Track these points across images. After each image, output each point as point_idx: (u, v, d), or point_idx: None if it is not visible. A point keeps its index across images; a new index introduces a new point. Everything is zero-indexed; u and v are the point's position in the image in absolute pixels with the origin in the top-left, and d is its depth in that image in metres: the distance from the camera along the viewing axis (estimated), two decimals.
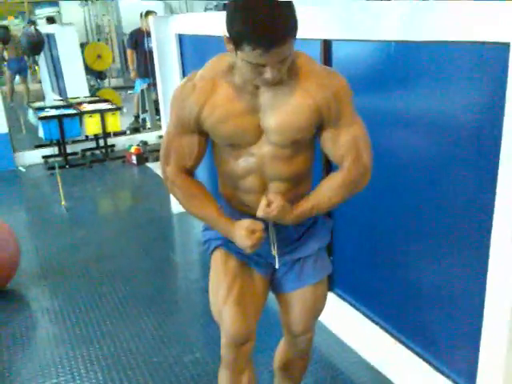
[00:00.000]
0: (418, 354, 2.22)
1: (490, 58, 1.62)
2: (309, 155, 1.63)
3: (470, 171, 1.82)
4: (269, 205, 1.53)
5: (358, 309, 2.56)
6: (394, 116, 2.11)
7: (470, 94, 1.74)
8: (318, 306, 1.85)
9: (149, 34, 7.19)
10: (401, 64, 1.97)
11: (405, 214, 2.17)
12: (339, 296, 2.68)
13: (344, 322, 2.64)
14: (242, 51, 1.33)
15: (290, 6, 1.32)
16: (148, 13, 7.35)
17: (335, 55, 2.26)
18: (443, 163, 1.92)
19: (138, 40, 7.35)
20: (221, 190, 1.76)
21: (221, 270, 1.71)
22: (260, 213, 1.54)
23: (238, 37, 1.32)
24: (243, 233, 1.54)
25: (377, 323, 2.43)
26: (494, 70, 1.61)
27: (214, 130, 1.54)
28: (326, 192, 1.59)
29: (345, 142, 1.52)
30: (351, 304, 2.61)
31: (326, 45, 2.26)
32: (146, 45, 7.26)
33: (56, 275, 3.55)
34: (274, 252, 1.68)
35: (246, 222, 1.55)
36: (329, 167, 2.45)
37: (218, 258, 1.74)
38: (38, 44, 6.31)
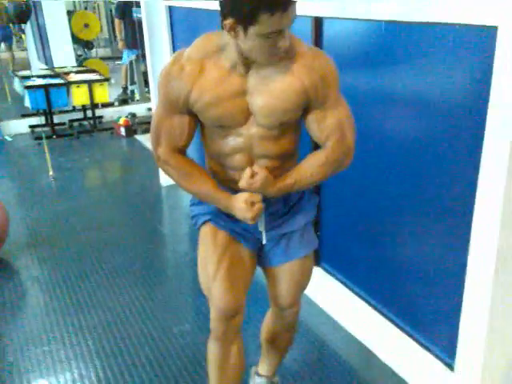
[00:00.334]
0: (401, 328, 2.29)
1: (478, 40, 1.65)
2: (295, 135, 1.67)
3: (455, 149, 1.86)
4: (252, 176, 1.57)
5: (344, 283, 2.63)
6: (380, 95, 2.13)
7: (458, 76, 1.78)
8: (304, 280, 1.89)
9: (137, 4, 7.12)
10: (390, 44, 1.99)
11: (390, 190, 2.22)
12: (326, 270, 2.75)
13: (330, 296, 2.71)
14: (257, 24, 1.33)
15: None
16: None
17: (326, 33, 2.28)
18: (428, 141, 1.97)
19: (126, 9, 7.25)
20: (207, 166, 1.78)
21: (209, 244, 1.74)
22: (243, 183, 1.57)
23: (252, 9, 1.32)
24: (243, 205, 1.57)
25: (362, 298, 2.51)
26: (481, 52, 1.65)
27: (202, 113, 1.56)
28: (309, 168, 1.62)
29: (330, 124, 1.56)
30: (338, 279, 2.67)
31: (317, 22, 2.28)
32: (134, 14, 7.17)
33: (45, 245, 3.58)
34: (262, 227, 1.72)
35: (243, 195, 1.58)
36: (317, 146, 2.50)
37: (206, 233, 1.77)
38: (25, 12, 6.19)
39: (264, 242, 1.75)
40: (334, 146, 1.58)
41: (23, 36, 9.98)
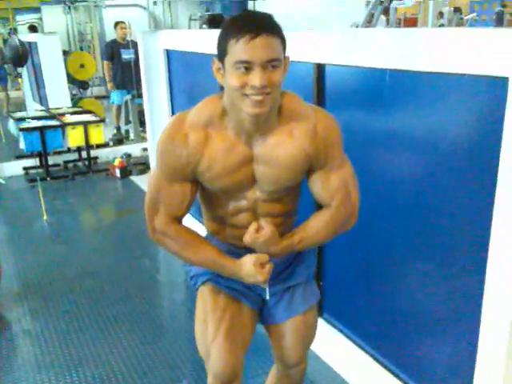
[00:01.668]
0: (399, 377, 2.19)
1: (489, 90, 1.61)
2: (298, 192, 1.64)
3: (461, 198, 1.80)
4: (258, 231, 1.50)
5: (347, 335, 2.52)
6: (385, 142, 2.09)
7: (467, 125, 1.73)
8: (310, 334, 1.83)
9: (124, 46, 7.17)
10: (396, 92, 1.96)
11: (394, 237, 2.15)
12: (328, 322, 2.64)
13: (333, 348, 2.60)
14: (228, 54, 1.30)
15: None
16: (117, 23, 7.30)
17: (328, 79, 2.24)
18: (435, 189, 1.91)
19: (114, 51, 7.29)
20: (206, 225, 1.72)
21: (209, 305, 1.67)
22: (247, 238, 1.51)
23: (222, 40, 1.32)
24: (251, 268, 1.50)
25: (367, 351, 2.40)
26: (492, 102, 1.60)
27: (210, 182, 1.51)
28: (314, 228, 1.57)
29: (334, 184, 1.52)
30: (340, 330, 2.57)
31: (319, 69, 2.24)
32: (122, 56, 7.20)
33: (37, 295, 3.46)
34: (265, 283, 1.64)
35: (250, 258, 1.51)
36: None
37: (205, 293, 1.70)
38: (22, 56, 6.17)
39: (267, 297, 1.67)
40: (338, 205, 1.54)
41: (20, 80, 9.99)
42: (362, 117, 2.15)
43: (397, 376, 2.23)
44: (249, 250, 1.56)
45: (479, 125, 1.69)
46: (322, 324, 2.63)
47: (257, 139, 1.45)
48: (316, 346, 2.63)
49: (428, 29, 1.85)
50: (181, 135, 1.45)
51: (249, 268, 1.50)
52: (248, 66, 1.28)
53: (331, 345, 2.60)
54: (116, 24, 7.38)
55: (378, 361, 2.33)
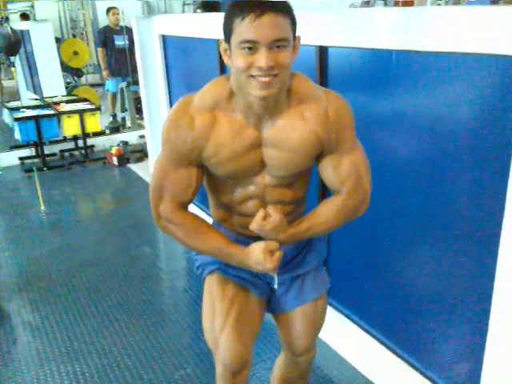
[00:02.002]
0: (417, 369, 2.16)
1: (497, 69, 1.56)
2: (307, 179, 1.60)
3: (472, 181, 1.76)
4: (265, 218, 1.45)
5: (353, 320, 2.50)
6: (392, 123, 2.04)
7: (476, 103, 1.68)
8: (319, 322, 1.80)
9: (117, 32, 7.07)
10: (402, 73, 1.90)
11: (401, 222, 2.11)
12: (334, 307, 2.61)
13: (340, 333, 2.58)
14: (233, 33, 1.24)
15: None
16: (109, 9, 7.20)
17: (331, 62, 2.19)
18: (443, 172, 1.87)
19: (107, 37, 7.19)
20: (213, 213, 1.68)
21: (217, 295, 1.63)
22: (254, 225, 1.46)
23: (227, 20, 1.26)
24: (261, 256, 1.45)
25: (373, 336, 2.38)
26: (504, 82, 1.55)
27: (217, 167, 1.46)
28: (324, 214, 1.53)
29: (345, 169, 1.47)
30: (346, 315, 2.54)
31: (322, 51, 2.19)
32: (115, 42, 7.10)
33: (37, 285, 3.42)
34: (274, 271, 1.61)
35: (259, 245, 1.46)
36: (324, 187, 2.41)
37: (213, 283, 1.67)
38: (14, 45, 6.06)
39: (276, 286, 1.65)
40: (350, 191, 1.49)
41: (13, 69, 9.85)
42: (368, 100, 2.10)
43: (405, 360, 2.21)
44: (257, 238, 1.52)
45: (490, 105, 1.63)
46: (327, 309, 2.59)
47: (266, 122, 1.40)
48: (322, 332, 2.61)
49: (437, 7, 1.80)
50: (186, 118, 1.40)
51: (257, 255, 1.45)
52: (253, 46, 1.23)
53: (338, 330, 2.58)
54: (108, 10, 7.27)
55: (385, 345, 2.31)
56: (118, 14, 7.16)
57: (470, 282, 1.86)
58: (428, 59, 1.76)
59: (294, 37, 1.30)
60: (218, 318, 1.60)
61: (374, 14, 1.94)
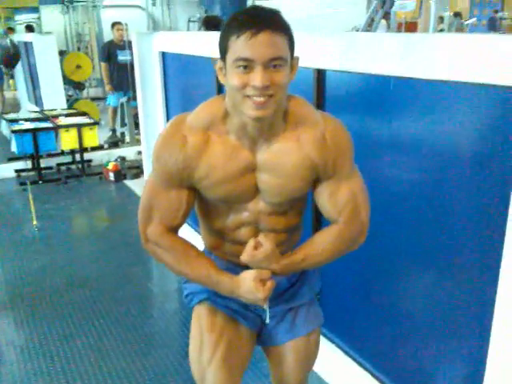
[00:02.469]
0: None
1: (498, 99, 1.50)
2: (303, 206, 1.53)
3: (466, 209, 1.71)
4: (256, 247, 1.38)
5: (344, 350, 2.41)
6: (387, 151, 1.99)
7: (478, 138, 1.63)
8: (311, 358, 1.72)
9: (121, 47, 7.07)
10: (400, 99, 1.85)
11: (395, 248, 2.06)
12: (325, 336, 2.52)
13: (331, 364, 2.49)
14: (229, 51, 1.19)
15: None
16: (114, 24, 7.20)
17: (328, 85, 2.14)
18: (438, 198, 1.81)
19: (111, 52, 7.18)
20: (204, 239, 1.61)
21: (205, 326, 1.56)
22: (245, 256, 1.38)
23: (223, 37, 1.21)
24: (252, 285, 1.37)
25: (365, 368, 2.29)
26: (505, 113, 1.49)
27: (208, 190, 1.39)
28: (320, 245, 1.45)
29: (342, 197, 1.40)
30: (338, 345, 2.46)
31: (320, 74, 2.13)
32: (119, 57, 7.10)
33: (24, 304, 3.33)
34: (265, 304, 1.51)
35: (250, 273, 1.39)
36: (319, 215, 2.35)
37: (202, 313, 1.59)
38: (13, 57, 6.04)
39: (267, 320, 1.57)
40: (347, 222, 1.41)
41: (11, 82, 9.85)
42: (365, 125, 2.05)
43: None
44: (249, 267, 1.45)
45: (490, 133, 1.58)
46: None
47: (261, 145, 1.34)
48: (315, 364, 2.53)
49: (439, 34, 1.76)
50: (179, 137, 1.34)
51: (248, 284, 1.37)
52: (249, 65, 1.17)
53: (329, 360, 2.49)
54: (113, 25, 7.28)
55: (377, 379, 2.22)
56: (122, 29, 7.16)
57: (469, 313, 1.79)
58: (427, 87, 1.72)
59: (292, 56, 1.25)
60: (206, 351, 1.52)
61: (374, 40, 1.89)
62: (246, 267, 1.45)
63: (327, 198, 1.41)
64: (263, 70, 1.17)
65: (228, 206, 1.44)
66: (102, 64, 7.46)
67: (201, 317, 1.59)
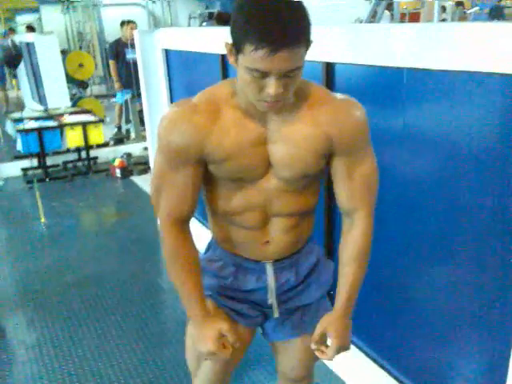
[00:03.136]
0: None
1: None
2: (317, 187, 1.47)
3: (483, 199, 1.68)
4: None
5: (360, 348, 2.40)
6: (397, 142, 1.96)
7: (491, 125, 1.60)
8: None
9: (130, 45, 7.04)
10: (413, 91, 1.82)
11: (413, 245, 2.02)
12: None
13: (347, 362, 2.46)
14: (242, 54, 1.13)
15: (303, 5, 1.15)
16: (127, 22, 7.17)
17: (338, 79, 2.12)
18: (454, 191, 1.78)
19: (119, 50, 7.17)
20: (213, 230, 1.57)
21: None
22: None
23: (239, 34, 1.13)
24: (212, 334, 1.37)
25: (381, 365, 2.27)
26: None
27: (220, 164, 1.32)
28: (351, 275, 1.47)
29: (357, 187, 1.38)
30: (353, 342, 2.43)
31: (329, 68, 2.11)
32: (127, 55, 7.08)
33: (34, 302, 3.34)
34: (272, 300, 1.54)
35: (224, 324, 1.39)
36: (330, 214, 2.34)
37: None
38: (14, 58, 6.03)
39: (276, 315, 1.58)
40: (366, 219, 1.42)
41: (14, 81, 9.84)
42: (378, 119, 2.00)
43: None
44: (260, 264, 1.47)
45: (507, 123, 1.55)
46: None
47: (271, 117, 1.30)
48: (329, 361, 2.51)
49: (453, 23, 1.73)
50: (184, 113, 1.29)
51: (210, 332, 1.38)
52: (263, 74, 1.14)
53: (345, 359, 2.47)
54: (123, 23, 7.23)
55: (394, 377, 2.20)
56: (134, 28, 7.11)
57: (492, 308, 1.75)
58: (441, 78, 1.68)
59: (307, 50, 1.19)
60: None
61: (385, 31, 1.86)
62: (256, 262, 1.48)
63: (341, 183, 1.38)
64: (278, 79, 1.14)
65: (238, 185, 1.37)
66: (111, 62, 7.44)
67: None
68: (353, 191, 1.38)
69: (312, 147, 1.31)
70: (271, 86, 1.14)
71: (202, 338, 1.39)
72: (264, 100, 1.18)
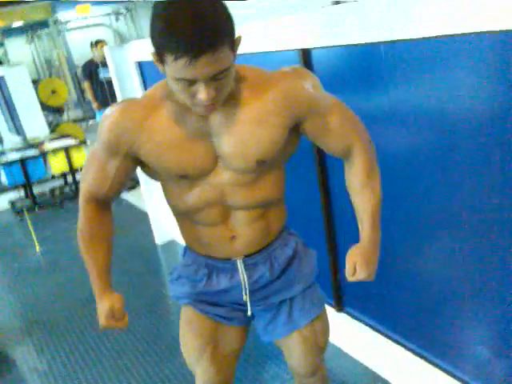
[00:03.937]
0: (444, 369, 2.07)
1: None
2: (278, 175, 1.42)
3: (479, 174, 1.68)
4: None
5: (373, 327, 2.40)
6: (384, 121, 1.96)
7: (481, 87, 1.59)
8: (321, 343, 1.64)
9: (102, 64, 7.03)
10: (393, 64, 1.82)
11: (412, 217, 2.02)
12: (352, 316, 2.52)
13: (360, 342, 2.49)
14: (166, 63, 1.10)
15: (220, 2, 1.10)
16: (97, 42, 7.16)
17: (316, 64, 2.13)
18: (447, 162, 1.78)
19: (92, 71, 7.16)
20: (182, 235, 1.56)
21: (191, 331, 1.58)
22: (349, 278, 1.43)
23: (158, 44, 1.09)
24: (104, 310, 1.41)
25: (396, 341, 2.28)
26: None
27: (156, 159, 1.30)
28: (364, 195, 1.41)
29: (338, 127, 1.35)
30: (366, 323, 2.44)
31: (305, 54, 2.13)
32: (100, 75, 7.07)
33: (40, 329, 3.32)
34: (246, 297, 1.53)
35: (117, 302, 1.43)
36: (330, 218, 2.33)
37: (186, 317, 1.61)
38: None
39: (249, 313, 1.57)
40: (362, 148, 1.40)
41: None
42: (361, 99, 2.00)
43: (432, 363, 2.12)
44: (231, 262, 1.47)
45: (496, 89, 1.54)
46: (345, 319, 2.53)
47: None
48: (342, 343, 2.53)
49: None
50: (124, 104, 1.32)
51: (106, 305, 1.42)
52: (191, 81, 1.11)
53: (358, 339, 2.49)
54: (95, 43, 7.21)
55: (410, 350, 2.21)
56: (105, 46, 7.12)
57: (497, 270, 1.75)
58: (422, 46, 1.67)
59: (234, 44, 1.14)
60: (193, 354, 1.56)
61: (355, 8, 1.87)
62: (227, 261, 1.47)
63: (319, 134, 1.36)
64: (207, 84, 1.11)
65: (189, 182, 1.35)
66: (85, 84, 7.43)
67: (186, 320, 1.61)
68: (335, 138, 1.37)
69: (263, 131, 1.27)
70: (202, 92, 1.12)
71: (99, 313, 1.42)
72: (198, 105, 1.16)
